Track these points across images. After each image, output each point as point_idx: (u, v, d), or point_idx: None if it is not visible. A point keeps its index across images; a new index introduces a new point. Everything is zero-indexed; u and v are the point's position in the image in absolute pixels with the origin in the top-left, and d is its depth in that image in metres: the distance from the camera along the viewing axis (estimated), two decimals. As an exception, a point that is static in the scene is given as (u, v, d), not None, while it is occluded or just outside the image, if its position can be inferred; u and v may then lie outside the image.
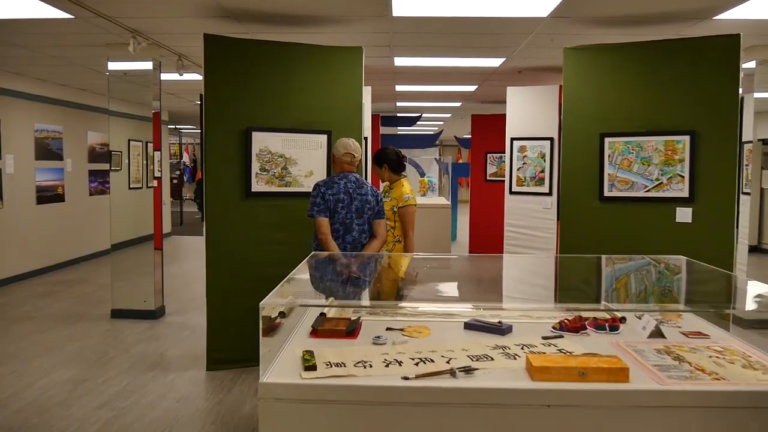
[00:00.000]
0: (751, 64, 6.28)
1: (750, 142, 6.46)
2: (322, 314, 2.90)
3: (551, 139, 7.51)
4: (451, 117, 15.09)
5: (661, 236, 4.65)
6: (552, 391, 2.10)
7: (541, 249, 7.42)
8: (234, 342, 4.81)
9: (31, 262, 8.74)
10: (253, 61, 4.83)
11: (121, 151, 8.37)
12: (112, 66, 6.46)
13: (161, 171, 7.55)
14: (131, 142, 8.21)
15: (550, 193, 7.50)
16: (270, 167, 4.89)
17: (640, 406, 2.09)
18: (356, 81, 5.07)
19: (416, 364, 2.31)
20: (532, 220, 7.60)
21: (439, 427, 2.09)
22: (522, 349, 2.50)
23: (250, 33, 5.62)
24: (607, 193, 4.82)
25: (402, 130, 17.65)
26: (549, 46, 6.13)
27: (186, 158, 20.50)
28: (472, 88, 9.51)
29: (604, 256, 4.21)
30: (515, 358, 2.40)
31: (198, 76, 7.03)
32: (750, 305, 2.95)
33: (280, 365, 2.32)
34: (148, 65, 6.42)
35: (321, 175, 4.94)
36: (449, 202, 10.21)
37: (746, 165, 6.89)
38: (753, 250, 9.15)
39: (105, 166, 10.43)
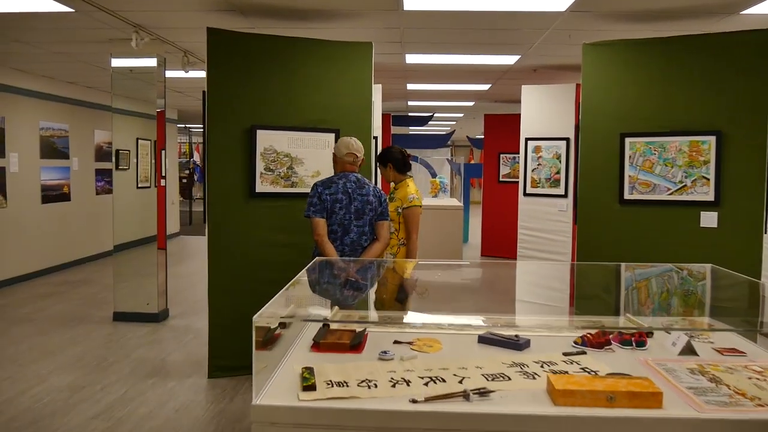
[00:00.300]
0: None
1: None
2: (326, 324, 2.71)
3: (567, 140, 7.29)
4: (463, 117, 14.88)
5: (685, 242, 4.42)
6: (577, 418, 1.89)
7: (557, 253, 7.19)
8: (236, 348, 4.59)
9: (35, 262, 8.60)
10: (259, 57, 4.64)
11: (129, 150, 8.22)
12: (116, 63, 6.31)
13: (166, 170, 7.38)
14: (139, 140, 8.05)
15: (565, 195, 7.27)
16: (275, 167, 4.70)
17: (675, 436, 1.87)
18: (366, 78, 4.87)
19: (426, 383, 2.11)
20: (546, 223, 7.37)
21: (451, 456, 1.89)
22: (541, 367, 2.29)
23: (256, 28, 5.43)
24: (627, 196, 4.58)
25: (413, 129, 17.46)
26: (567, 42, 5.91)
27: (197, 157, 20.38)
28: (486, 87, 9.29)
29: (624, 264, 3.99)
30: (534, 378, 2.18)
31: (205, 74, 6.87)
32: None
33: (276, 383, 2.13)
34: (152, 62, 6.26)
35: (328, 175, 4.73)
36: (461, 204, 10.00)
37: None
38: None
39: (112, 165, 10.28)
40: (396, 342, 2.57)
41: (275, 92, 4.68)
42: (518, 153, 7.88)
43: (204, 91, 4.60)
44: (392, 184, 4.60)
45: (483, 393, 2.01)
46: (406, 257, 4.37)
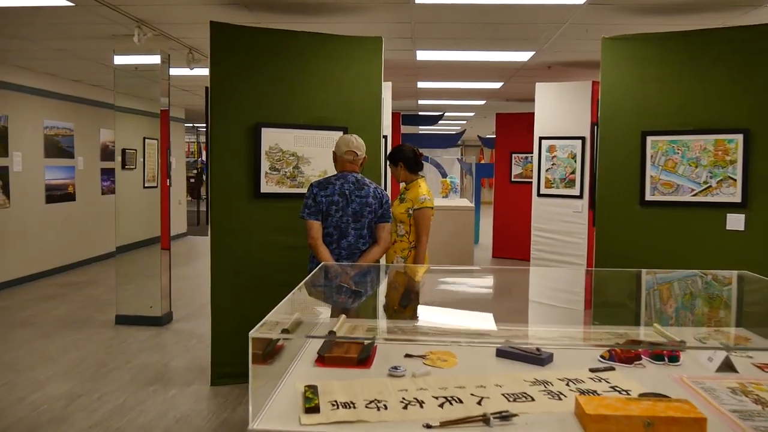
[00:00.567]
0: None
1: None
2: (331, 332, 2.51)
3: (583, 139, 7.06)
4: (474, 116, 14.67)
5: (710, 245, 4.19)
6: (610, 446, 1.69)
7: (572, 255, 6.96)
8: (240, 354, 4.35)
9: (38, 264, 8.46)
10: (264, 52, 4.46)
11: (135, 149, 8.06)
12: (119, 60, 6.15)
13: (172, 170, 7.23)
14: (146, 140, 7.90)
15: (581, 196, 7.04)
16: (281, 166, 4.52)
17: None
18: (375, 74, 4.67)
19: (441, 405, 1.91)
20: (561, 224, 7.14)
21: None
22: (567, 385, 2.09)
23: (262, 22, 5.25)
24: (648, 197, 4.36)
25: (423, 129, 17.27)
26: (584, 37, 5.69)
27: (205, 156, 20.27)
28: (498, 85, 9.08)
29: (644, 270, 3.76)
30: (560, 398, 1.99)
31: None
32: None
33: (276, 403, 1.94)
34: (156, 59, 6.10)
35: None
36: (472, 205, 9.80)
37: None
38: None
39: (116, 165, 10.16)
40: (407, 355, 2.38)
41: (281, 89, 4.50)
42: (531, 152, 7.67)
43: (207, 88, 4.43)
44: (403, 185, 4.40)
45: (505, 417, 1.81)
46: (413, 262, 4.17)
